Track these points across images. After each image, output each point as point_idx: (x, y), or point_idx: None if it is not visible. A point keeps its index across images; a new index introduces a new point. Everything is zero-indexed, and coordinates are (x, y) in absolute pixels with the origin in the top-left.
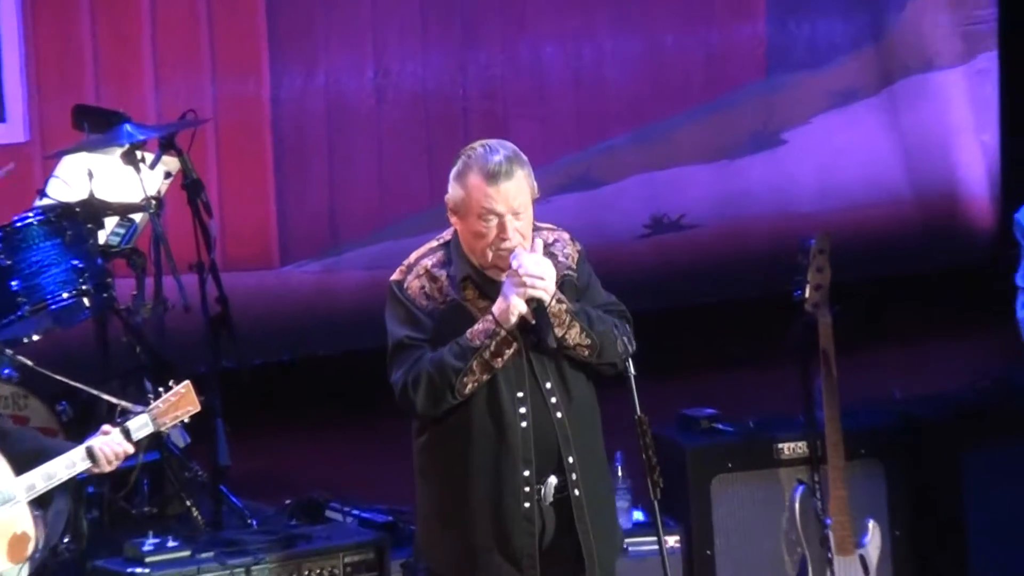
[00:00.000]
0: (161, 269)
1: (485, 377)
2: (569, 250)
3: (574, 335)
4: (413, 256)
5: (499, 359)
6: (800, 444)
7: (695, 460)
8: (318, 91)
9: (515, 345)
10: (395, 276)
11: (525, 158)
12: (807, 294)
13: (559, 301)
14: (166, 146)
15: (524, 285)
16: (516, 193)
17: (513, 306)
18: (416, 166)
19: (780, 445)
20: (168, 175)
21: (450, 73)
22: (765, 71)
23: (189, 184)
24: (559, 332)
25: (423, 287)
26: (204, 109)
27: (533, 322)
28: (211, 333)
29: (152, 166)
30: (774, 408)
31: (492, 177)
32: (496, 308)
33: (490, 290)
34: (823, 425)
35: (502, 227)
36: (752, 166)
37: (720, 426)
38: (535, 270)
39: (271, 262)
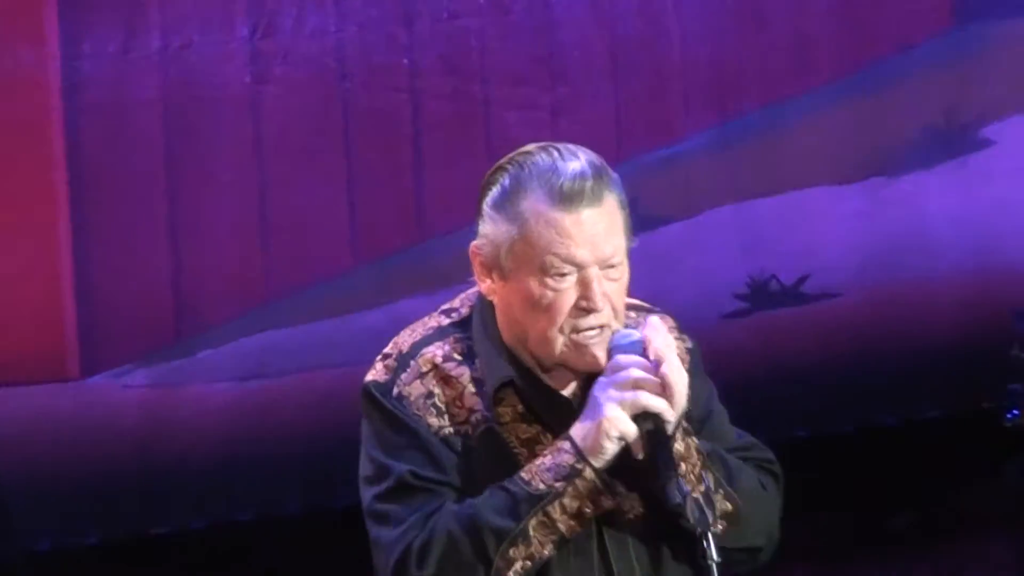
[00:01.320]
0: None
1: (547, 552)
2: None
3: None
4: (405, 340)
5: (576, 521)
6: None
7: None
8: (149, 64)
9: (607, 499)
10: (375, 376)
11: (616, 176)
12: None
13: (686, 432)
14: None
15: (635, 388)
16: (608, 230)
17: (613, 423)
18: (325, 193)
19: None
20: None
21: (385, 32)
22: (951, 17)
23: None
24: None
25: (431, 396)
26: None
27: (640, 457)
28: None
29: None
30: None
31: (568, 200)
32: (579, 430)
33: (543, 405)
34: None
35: (585, 286)
36: (928, 187)
37: None
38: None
39: (67, 369)
